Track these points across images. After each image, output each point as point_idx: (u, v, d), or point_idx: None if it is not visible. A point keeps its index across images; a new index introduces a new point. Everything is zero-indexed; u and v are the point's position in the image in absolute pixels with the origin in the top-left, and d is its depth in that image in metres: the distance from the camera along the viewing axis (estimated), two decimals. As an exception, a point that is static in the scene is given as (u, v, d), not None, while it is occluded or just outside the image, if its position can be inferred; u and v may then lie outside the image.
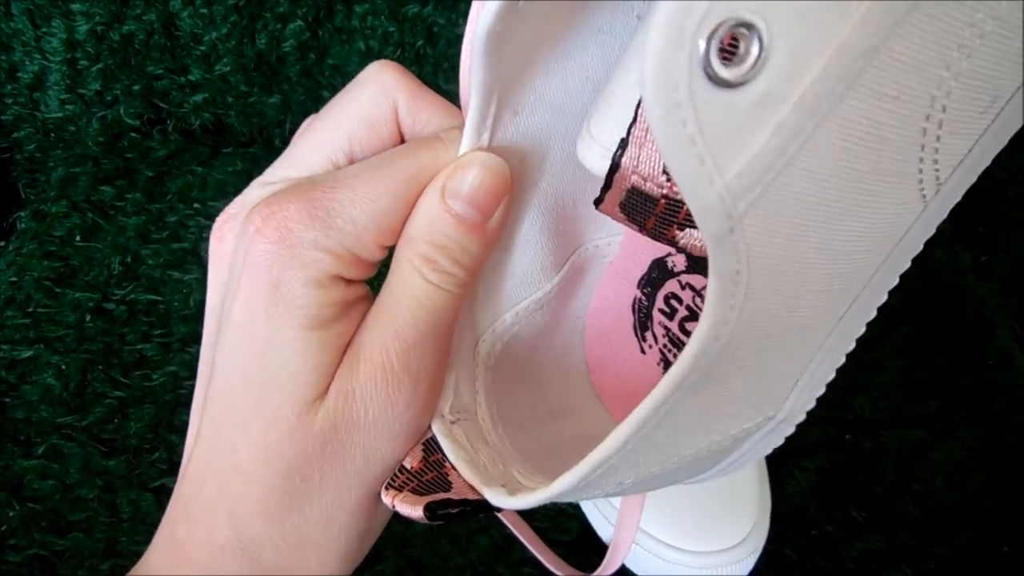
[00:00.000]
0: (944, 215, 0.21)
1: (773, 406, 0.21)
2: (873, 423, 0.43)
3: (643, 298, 0.26)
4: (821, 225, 0.16)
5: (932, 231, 0.21)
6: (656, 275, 0.25)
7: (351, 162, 0.22)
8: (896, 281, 0.22)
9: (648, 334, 0.26)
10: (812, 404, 0.23)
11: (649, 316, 0.26)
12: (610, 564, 0.38)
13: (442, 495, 0.20)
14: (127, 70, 0.55)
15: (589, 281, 0.27)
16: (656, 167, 0.17)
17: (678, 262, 0.25)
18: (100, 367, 0.46)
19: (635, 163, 0.17)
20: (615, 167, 0.18)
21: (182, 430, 0.44)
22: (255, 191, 0.22)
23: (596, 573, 0.38)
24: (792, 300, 0.17)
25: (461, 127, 0.20)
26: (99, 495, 0.41)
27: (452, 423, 0.22)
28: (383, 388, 0.20)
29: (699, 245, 0.18)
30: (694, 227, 0.17)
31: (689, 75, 0.13)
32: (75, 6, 0.52)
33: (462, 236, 0.20)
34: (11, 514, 0.40)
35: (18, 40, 0.54)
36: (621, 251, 0.26)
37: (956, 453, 0.42)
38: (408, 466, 0.21)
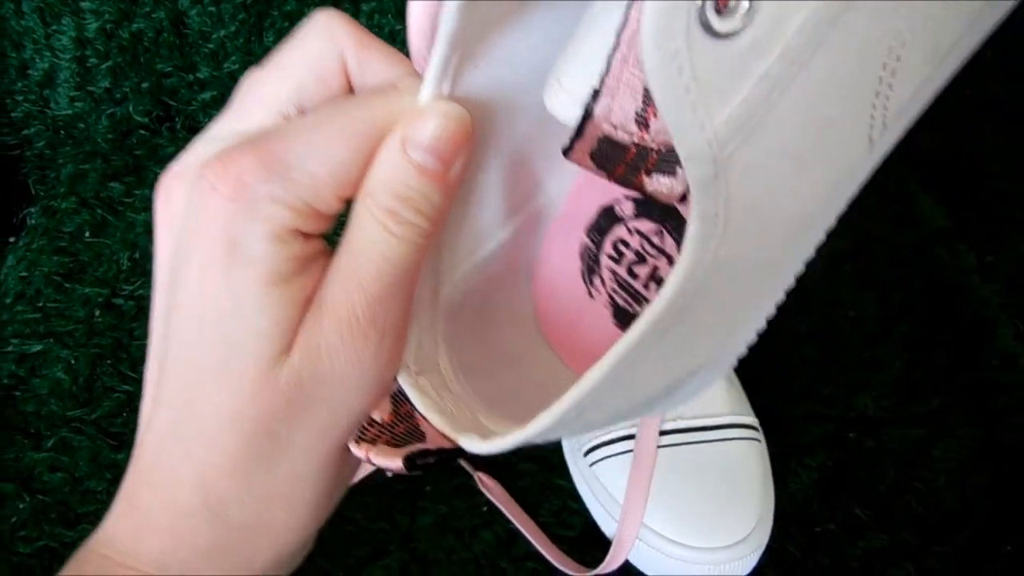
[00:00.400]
0: (878, 161, 0.22)
1: (730, 341, 0.22)
2: (875, 421, 0.44)
3: (591, 245, 0.26)
4: (794, 172, 0.17)
5: (868, 176, 0.22)
6: (603, 222, 0.26)
7: (301, 114, 0.21)
8: (834, 223, 0.23)
9: (596, 279, 0.26)
10: (754, 339, 0.24)
11: (597, 262, 0.26)
12: (614, 559, 0.38)
13: (419, 446, 0.20)
14: (136, 68, 0.56)
15: (541, 230, 0.27)
16: (628, 116, 0.17)
17: (626, 208, 0.25)
18: (109, 361, 0.46)
19: (607, 112, 0.17)
20: (587, 116, 0.18)
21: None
22: (201, 147, 0.21)
23: (600, 568, 0.38)
24: (760, 243, 0.18)
25: (414, 76, 0.20)
26: (108, 488, 0.42)
27: (417, 374, 0.22)
28: (349, 342, 0.20)
29: (665, 191, 0.18)
30: (661, 173, 0.18)
31: (687, 26, 0.14)
32: (85, 4, 0.53)
33: (424, 186, 0.20)
34: (21, 506, 0.41)
35: (29, 38, 0.54)
36: (568, 199, 0.27)
37: (958, 452, 0.42)
38: (378, 419, 0.21)
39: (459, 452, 0.20)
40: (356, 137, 0.20)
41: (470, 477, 0.42)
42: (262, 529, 0.21)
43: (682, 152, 0.15)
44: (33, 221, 0.55)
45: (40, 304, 0.49)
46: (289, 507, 0.21)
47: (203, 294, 0.20)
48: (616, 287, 0.26)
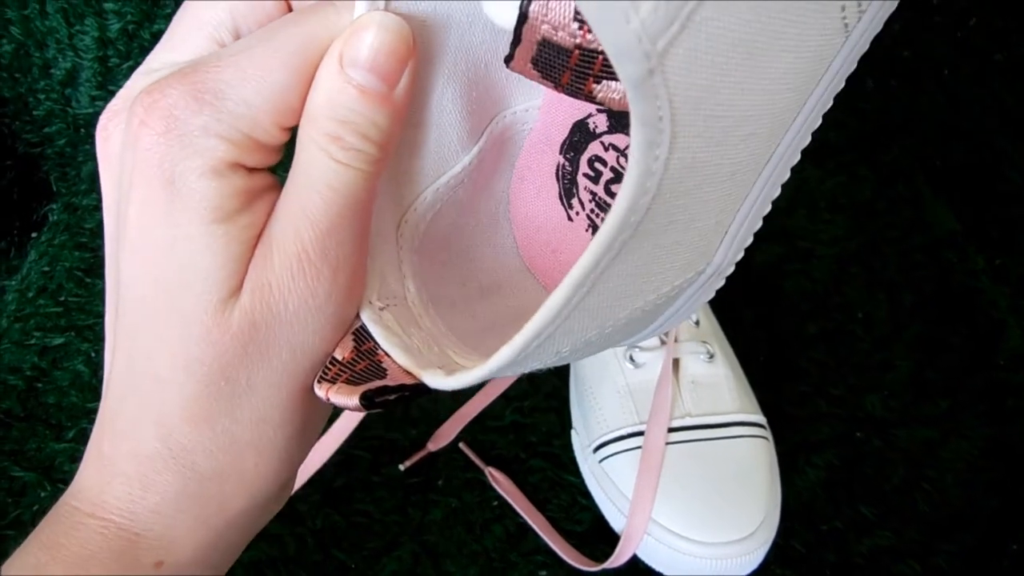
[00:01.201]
0: (865, 47, 0.20)
1: (704, 259, 0.21)
2: (883, 421, 0.44)
3: (566, 164, 0.25)
4: (744, 62, 0.16)
5: (853, 66, 0.20)
6: (578, 138, 0.25)
7: (237, 39, 0.20)
8: (820, 122, 0.21)
9: (574, 200, 0.25)
10: (740, 255, 0.22)
11: (574, 182, 0.25)
12: (622, 554, 0.39)
13: (377, 383, 0.19)
14: (156, 68, 0.57)
15: (510, 152, 0.26)
16: (567, 14, 0.16)
17: (599, 122, 0.24)
18: (128, 355, 0.47)
19: (544, 11, 0.16)
20: (523, 18, 0.16)
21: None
22: (139, 80, 0.20)
23: (608, 562, 0.39)
24: (719, 146, 0.17)
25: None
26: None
27: (381, 309, 0.21)
28: (301, 279, 0.19)
29: (617, 98, 0.17)
30: (612, 78, 0.17)
31: None
32: (108, 5, 0.54)
33: (367, 108, 0.18)
34: (43, 495, 0.42)
35: (52, 38, 0.55)
36: (540, 116, 0.25)
37: (965, 452, 0.43)
38: (339, 357, 0.20)
39: (421, 389, 0.19)
40: (291, 57, 0.18)
41: (481, 472, 0.42)
42: (232, 476, 0.20)
43: (609, 50, 0.13)
44: (54, 217, 0.56)
45: (62, 298, 0.50)
46: (257, 453, 0.20)
47: (145, 236, 0.19)
48: (595, 208, 0.24)
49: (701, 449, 0.39)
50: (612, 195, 0.24)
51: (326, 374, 0.20)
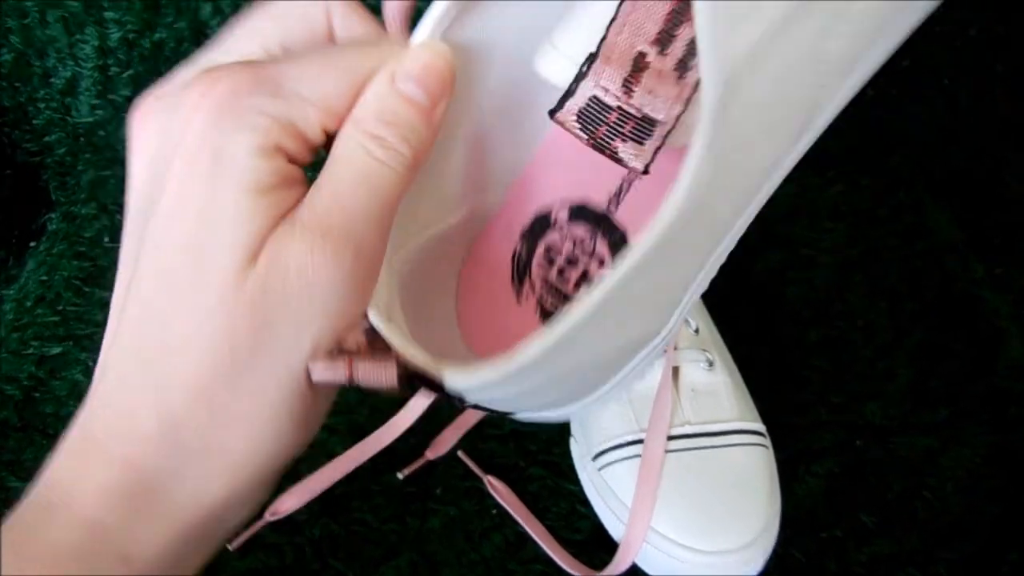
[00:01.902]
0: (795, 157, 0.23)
1: (661, 322, 0.24)
2: (883, 430, 0.44)
3: (522, 249, 0.28)
4: (762, 129, 0.20)
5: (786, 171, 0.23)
6: (537, 227, 0.27)
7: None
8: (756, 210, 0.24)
9: (525, 285, 0.28)
10: (677, 327, 0.25)
11: (528, 266, 0.28)
12: (621, 562, 0.38)
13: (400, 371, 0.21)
14: (157, 77, 0.55)
15: (475, 228, 0.28)
16: (616, 81, 0.20)
17: (560, 216, 0.27)
18: (126, 364, 0.47)
19: (600, 74, 0.20)
20: (582, 75, 0.20)
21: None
22: (182, 75, 0.21)
23: (607, 570, 0.38)
24: (725, 190, 0.20)
25: (393, 42, 0.22)
26: (123, 487, 0.42)
27: (388, 319, 0.22)
28: (320, 254, 0.19)
29: (631, 158, 0.21)
30: (634, 140, 0.20)
31: None
32: (108, 14, 0.54)
33: (411, 115, 0.20)
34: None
35: (52, 47, 0.56)
36: (506, 203, 0.28)
37: (966, 461, 0.42)
38: (352, 347, 0.21)
39: (441, 387, 0.20)
40: (347, 72, 0.20)
41: (480, 481, 0.42)
42: (216, 455, 0.20)
43: (706, 66, 0.17)
44: (53, 226, 0.56)
45: (60, 308, 0.50)
46: (247, 434, 0.20)
47: (182, 204, 0.19)
48: (545, 293, 0.27)
49: (701, 457, 0.39)
50: (564, 280, 0.27)
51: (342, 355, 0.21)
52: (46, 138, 0.60)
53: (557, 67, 0.21)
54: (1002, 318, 0.49)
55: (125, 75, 0.57)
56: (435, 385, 0.20)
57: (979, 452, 0.42)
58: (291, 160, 0.20)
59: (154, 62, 0.56)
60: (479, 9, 0.22)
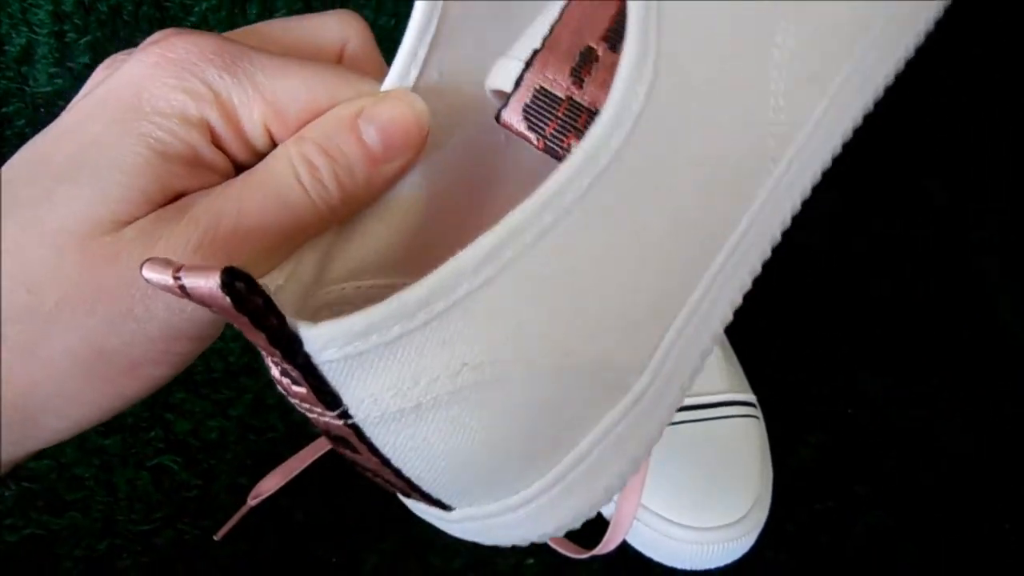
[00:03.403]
0: (784, 206, 0.22)
1: (635, 360, 0.19)
2: (876, 399, 0.43)
3: None
4: (710, 98, 0.18)
5: (778, 211, 0.22)
6: None
7: None
8: (767, 253, 0.22)
9: None
10: (687, 382, 0.21)
11: None
12: (611, 540, 0.38)
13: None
14: (116, 43, 0.54)
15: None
16: (563, 70, 0.18)
17: None
18: (94, 345, 0.45)
19: (545, 63, 0.18)
20: (527, 67, 0.18)
21: (178, 408, 0.44)
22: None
23: (597, 549, 0.38)
24: (686, 141, 0.18)
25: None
26: (96, 474, 0.41)
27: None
28: (193, 255, 0.17)
29: None
30: None
31: None
32: (61, -24, 0.51)
33: (356, 157, 0.19)
34: (7, 494, 0.40)
35: (4, 13, 0.53)
36: None
37: (959, 430, 0.42)
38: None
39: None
40: (316, 85, 0.19)
41: (465, 459, 0.41)
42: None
43: None
44: (14, 202, 0.54)
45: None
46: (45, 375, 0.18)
47: (82, 125, 0.18)
48: None
49: (690, 431, 0.38)
50: None
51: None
52: (4, 109, 0.57)
53: (506, 71, 0.19)
54: (992, 284, 0.48)
55: (82, 41, 0.54)
56: (267, 311, 0.15)
57: (972, 420, 0.42)
58: (215, 143, 0.19)
59: (112, 27, 0.53)
60: (450, 69, 0.20)
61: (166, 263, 0.14)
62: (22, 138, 0.58)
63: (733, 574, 0.37)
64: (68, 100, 0.58)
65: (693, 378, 0.21)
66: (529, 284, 0.17)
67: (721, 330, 0.22)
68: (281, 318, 0.14)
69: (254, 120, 0.19)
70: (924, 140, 0.55)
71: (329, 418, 0.17)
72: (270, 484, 0.39)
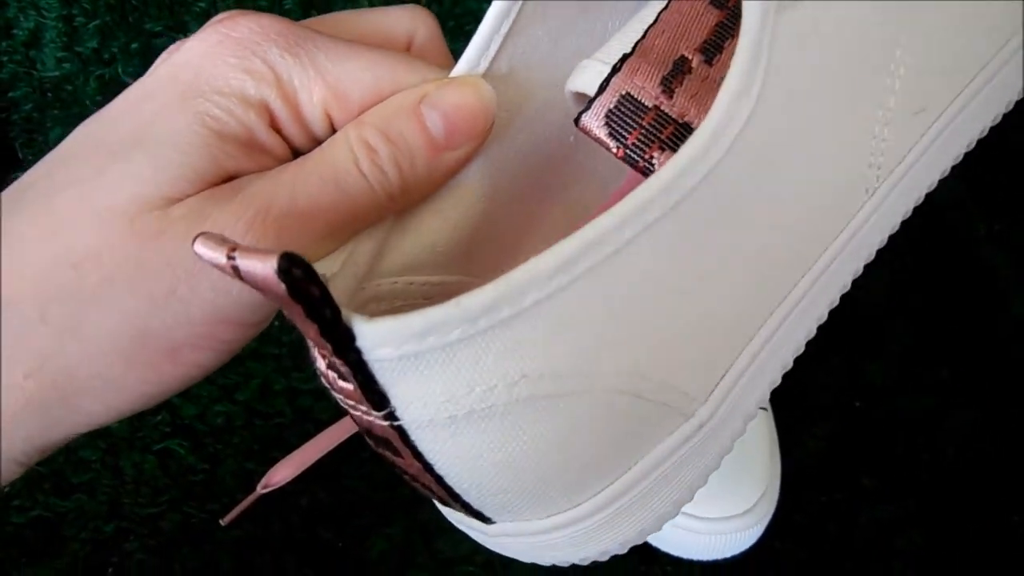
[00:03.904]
0: (880, 226, 0.21)
1: (697, 389, 0.18)
2: (884, 391, 0.43)
3: None
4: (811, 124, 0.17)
5: (871, 239, 0.21)
6: None
7: None
8: (847, 286, 0.21)
9: None
10: (752, 411, 0.20)
11: None
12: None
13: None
14: (125, 27, 0.54)
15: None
16: (654, 79, 0.17)
17: None
18: (101, 329, 0.45)
19: (635, 71, 0.17)
20: (615, 71, 0.17)
21: (185, 392, 0.44)
22: None
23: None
24: (782, 180, 0.17)
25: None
26: (102, 457, 0.41)
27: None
28: (242, 236, 0.17)
29: None
30: (673, 150, 0.17)
31: None
32: (71, -40, 0.51)
33: (418, 143, 0.18)
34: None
35: (12, -5, 0.53)
36: None
37: (967, 422, 0.42)
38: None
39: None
40: (380, 70, 0.18)
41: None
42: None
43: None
44: (21, 186, 0.54)
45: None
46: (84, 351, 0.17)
47: (140, 103, 0.18)
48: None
49: (699, 421, 0.38)
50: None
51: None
52: (11, 93, 0.57)
53: (590, 74, 0.18)
54: (1003, 276, 0.48)
55: (91, 25, 0.54)
56: (323, 302, 0.14)
57: (981, 412, 0.42)
58: (273, 126, 0.18)
59: (121, 11, 0.53)
60: (530, 55, 0.19)
61: (221, 240, 0.14)
62: (29, 122, 0.58)
63: (740, 565, 0.37)
64: (76, 85, 0.58)
65: (758, 407, 0.20)
66: (601, 299, 0.16)
67: (791, 360, 0.21)
68: (336, 311, 0.14)
69: (314, 103, 0.18)
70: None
71: (374, 418, 0.16)
72: (282, 474, 0.39)
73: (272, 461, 0.40)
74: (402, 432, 0.16)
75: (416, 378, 0.15)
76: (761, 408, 0.39)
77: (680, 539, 0.36)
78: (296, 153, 0.19)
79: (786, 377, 0.42)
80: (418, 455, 0.16)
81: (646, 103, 0.17)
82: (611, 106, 0.17)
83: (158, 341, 0.17)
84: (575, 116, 0.18)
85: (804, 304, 0.20)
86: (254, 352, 0.45)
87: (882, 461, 0.41)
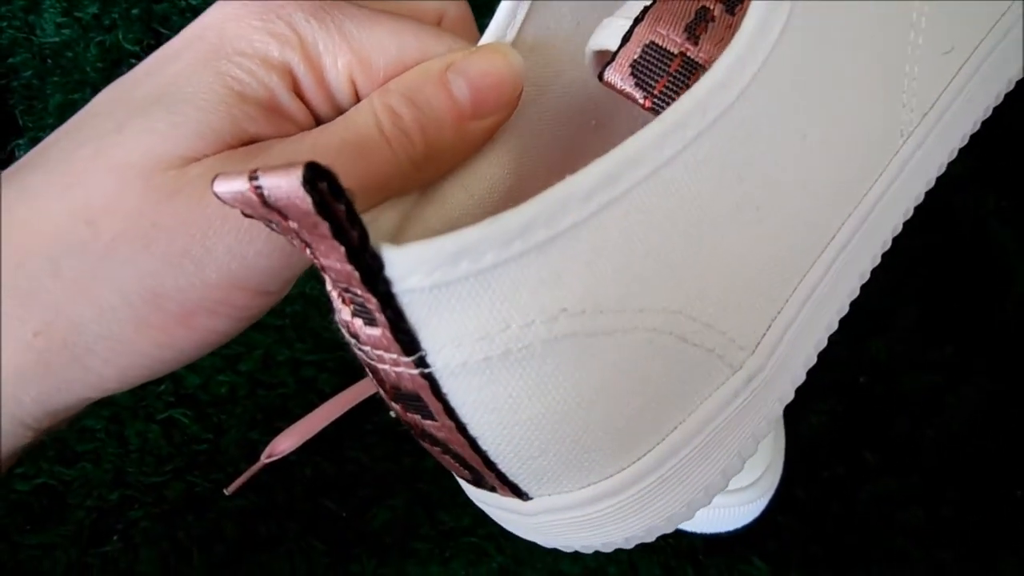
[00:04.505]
0: (915, 172, 0.21)
1: (751, 329, 0.18)
2: (888, 367, 0.43)
3: None
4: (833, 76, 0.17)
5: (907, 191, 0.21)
6: None
7: None
8: (888, 243, 0.22)
9: None
10: (799, 373, 0.19)
11: None
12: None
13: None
14: (125, -8, 0.53)
15: None
16: (678, 25, 0.16)
17: None
18: (104, 299, 0.45)
19: (658, 19, 0.17)
20: (637, 22, 0.17)
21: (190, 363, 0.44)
22: None
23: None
24: (815, 103, 0.17)
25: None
26: (106, 426, 0.41)
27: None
28: None
29: None
30: None
31: None
32: (70, -78, 0.50)
33: (443, 108, 0.18)
34: (18, 443, 0.40)
35: (11, -41, 0.52)
36: None
37: (972, 399, 0.42)
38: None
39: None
40: (407, 38, 0.18)
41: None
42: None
43: None
44: (21, 153, 0.53)
45: (32, 239, 0.48)
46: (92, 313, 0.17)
47: (163, 64, 0.18)
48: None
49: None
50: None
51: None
52: (10, 59, 0.56)
53: (611, 29, 0.17)
54: (1010, 253, 0.47)
55: (91, -10, 0.53)
56: (351, 220, 0.13)
57: (985, 389, 0.42)
58: (296, 91, 0.18)
59: (122, -24, 0.52)
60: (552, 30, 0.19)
61: (241, 171, 0.13)
62: (29, 89, 0.57)
63: (743, 538, 0.37)
64: (76, 51, 0.57)
65: (804, 371, 0.20)
66: (642, 223, 0.15)
67: (836, 322, 0.20)
68: (364, 231, 0.13)
69: (339, 69, 0.18)
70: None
71: (403, 368, 0.15)
72: (286, 444, 0.39)
73: (276, 431, 0.40)
74: (432, 381, 0.15)
75: (449, 313, 0.14)
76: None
77: (683, 512, 0.36)
78: (319, 123, 0.19)
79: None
80: (450, 411, 0.15)
81: (672, 50, 0.17)
82: (636, 56, 0.17)
83: (171, 303, 0.17)
84: (598, 73, 0.17)
85: (849, 251, 0.19)
86: (257, 323, 0.44)
87: (886, 437, 0.41)
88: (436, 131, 0.18)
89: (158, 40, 0.55)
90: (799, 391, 0.41)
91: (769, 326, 0.18)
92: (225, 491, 0.39)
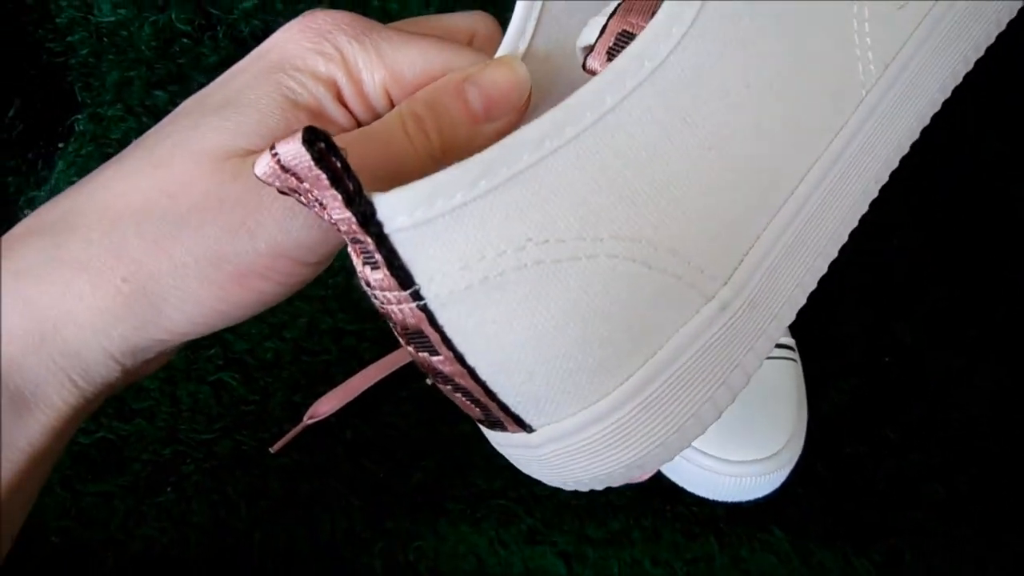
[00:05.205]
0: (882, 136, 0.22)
1: (718, 260, 0.19)
2: (912, 349, 0.44)
3: None
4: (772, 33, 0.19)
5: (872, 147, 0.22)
6: None
7: None
8: (873, 192, 0.23)
9: None
10: (784, 312, 0.21)
11: None
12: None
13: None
14: (178, -27, 0.55)
15: None
16: (646, 15, 0.19)
17: None
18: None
19: (629, 10, 0.19)
20: (612, 15, 0.19)
21: (236, 330, 0.46)
22: None
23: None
24: (742, 75, 0.19)
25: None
26: (160, 386, 0.44)
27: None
28: None
29: None
30: None
31: None
32: (128, -94, 0.52)
33: (459, 114, 0.21)
34: (79, 400, 0.43)
35: (72, -59, 0.54)
36: None
37: (994, 380, 0.42)
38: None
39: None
40: (434, 56, 0.21)
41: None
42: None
43: None
44: (80, 127, 0.56)
45: (90, 209, 0.50)
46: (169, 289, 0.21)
47: (228, 81, 0.22)
48: None
49: (728, 370, 0.39)
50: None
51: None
52: (69, 38, 0.59)
53: (593, 26, 0.20)
54: (1038, 239, 0.48)
55: (147, -28, 0.55)
56: (345, 172, 0.16)
57: (1008, 371, 0.42)
58: (340, 100, 0.22)
59: (176, -42, 0.54)
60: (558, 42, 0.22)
61: (264, 155, 0.16)
62: (85, 67, 0.59)
63: (763, 507, 0.38)
64: (131, 30, 0.59)
65: (792, 312, 0.21)
66: (593, 162, 0.18)
67: (824, 267, 0.22)
68: (358, 182, 0.16)
69: (375, 82, 0.21)
70: (971, 87, 0.54)
71: (404, 304, 0.17)
72: (327, 406, 0.41)
73: (318, 395, 0.42)
74: (428, 313, 0.17)
75: (432, 248, 0.16)
76: (790, 359, 0.40)
77: (705, 479, 0.38)
78: (360, 127, 0.22)
79: (816, 330, 0.42)
80: (447, 341, 0.18)
81: (637, 36, 0.19)
82: (611, 44, 0.19)
83: (229, 265, 0.21)
84: (582, 63, 0.20)
85: (821, 195, 0.21)
86: (301, 293, 0.45)
87: (907, 417, 0.41)
88: (451, 131, 0.21)
89: (208, 20, 0.57)
90: (824, 368, 0.42)
91: (741, 260, 0.20)
92: (270, 450, 0.41)
